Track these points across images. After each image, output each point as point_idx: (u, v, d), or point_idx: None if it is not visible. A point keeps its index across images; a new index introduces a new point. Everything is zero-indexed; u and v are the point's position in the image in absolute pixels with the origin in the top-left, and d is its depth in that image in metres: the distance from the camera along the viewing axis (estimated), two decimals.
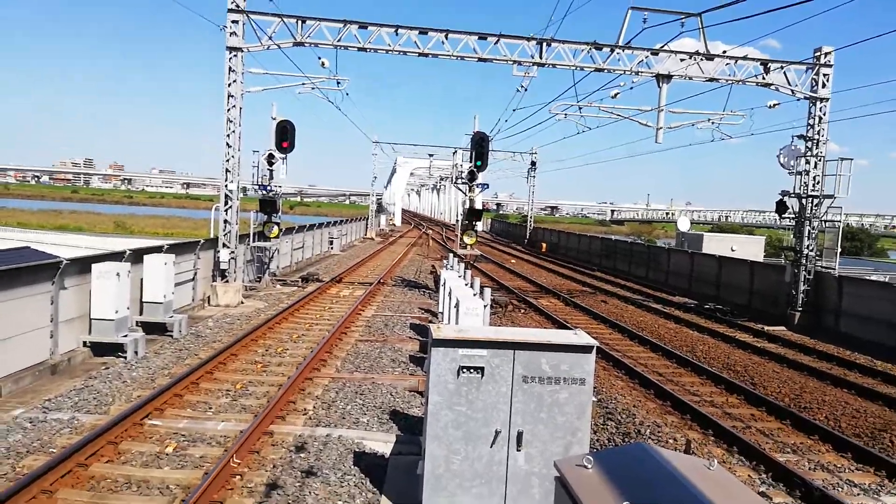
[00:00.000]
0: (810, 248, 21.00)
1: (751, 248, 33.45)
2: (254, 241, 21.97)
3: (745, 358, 15.68)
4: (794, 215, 21.32)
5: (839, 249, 21.34)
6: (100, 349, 12.09)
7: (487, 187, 26.78)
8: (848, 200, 20.60)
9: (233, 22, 18.92)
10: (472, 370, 5.85)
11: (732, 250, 31.40)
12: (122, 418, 8.39)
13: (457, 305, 11.23)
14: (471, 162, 22.58)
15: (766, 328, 20.03)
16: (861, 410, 11.63)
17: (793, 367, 14.92)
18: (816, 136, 20.74)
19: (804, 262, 20.94)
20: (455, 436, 5.92)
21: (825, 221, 21.03)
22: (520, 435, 5.89)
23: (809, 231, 20.95)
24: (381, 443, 8.49)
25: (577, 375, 5.89)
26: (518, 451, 5.92)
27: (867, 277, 24.60)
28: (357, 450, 8.21)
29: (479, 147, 22.02)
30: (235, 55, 19.11)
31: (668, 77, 20.08)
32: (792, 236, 21.94)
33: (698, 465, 3.49)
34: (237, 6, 18.75)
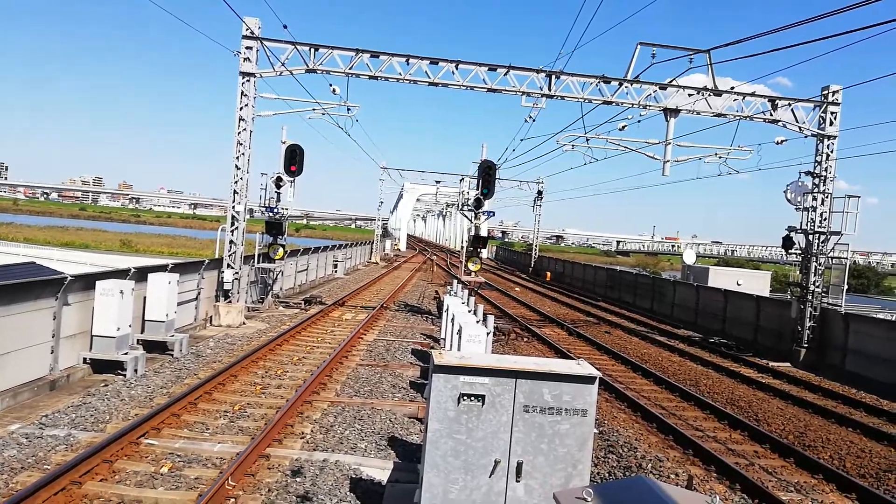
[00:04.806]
0: (816, 284, 20.89)
1: (757, 283, 33.30)
2: (258, 263, 22.01)
3: (749, 393, 15.51)
4: (800, 251, 21.26)
5: (846, 286, 21.22)
6: (99, 366, 12.04)
7: (493, 215, 26.89)
8: (855, 237, 20.58)
9: (247, 48, 19.21)
10: (472, 398, 5.77)
11: (738, 284, 31.28)
12: (119, 437, 8.32)
13: (459, 332, 11.18)
14: (477, 189, 22.71)
15: (771, 364, 19.84)
16: (866, 450, 11.46)
17: (797, 405, 14.75)
18: (824, 174, 20.77)
19: (810, 298, 20.82)
20: (454, 464, 5.82)
21: (832, 258, 20.96)
22: (519, 465, 5.79)
23: (816, 267, 20.87)
24: (378, 469, 8.38)
25: (579, 406, 5.80)
26: (517, 481, 5.81)
27: (874, 315, 24.40)
28: (354, 476, 8.10)
29: (487, 175, 22.15)
30: (248, 80, 19.37)
31: (676, 111, 20.21)
32: (798, 272, 21.84)
33: (700, 502, 3.42)
34: (252, 33, 19.04)
